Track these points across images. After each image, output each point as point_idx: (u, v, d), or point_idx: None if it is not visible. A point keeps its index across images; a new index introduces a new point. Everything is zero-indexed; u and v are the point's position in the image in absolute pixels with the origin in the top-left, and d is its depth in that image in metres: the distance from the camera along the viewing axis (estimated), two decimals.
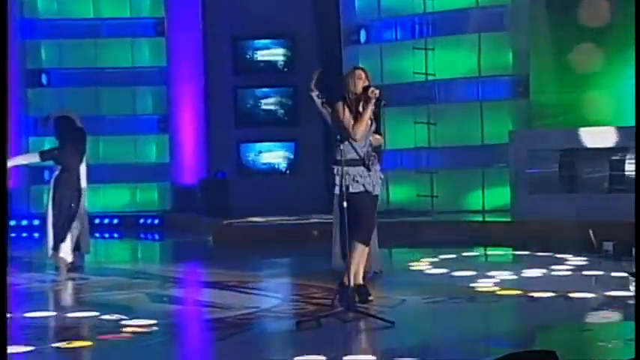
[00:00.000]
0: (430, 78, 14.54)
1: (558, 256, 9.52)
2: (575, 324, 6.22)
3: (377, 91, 6.68)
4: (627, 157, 11.67)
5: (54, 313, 7.13)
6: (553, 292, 7.21)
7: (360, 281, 6.88)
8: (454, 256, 9.87)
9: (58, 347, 5.70)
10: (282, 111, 17.46)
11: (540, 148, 12.41)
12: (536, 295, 7.14)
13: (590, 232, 9.63)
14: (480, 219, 13.15)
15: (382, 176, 7.03)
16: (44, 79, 17.17)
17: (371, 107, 6.68)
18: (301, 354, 5.19)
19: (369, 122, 6.74)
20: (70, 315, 6.94)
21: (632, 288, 7.07)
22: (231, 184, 16.26)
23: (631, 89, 10.90)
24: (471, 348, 5.57)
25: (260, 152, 17.41)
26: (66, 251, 9.26)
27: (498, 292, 7.40)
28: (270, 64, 17.44)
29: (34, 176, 15.89)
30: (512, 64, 14.16)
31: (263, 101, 17.47)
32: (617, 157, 11.91)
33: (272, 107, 17.47)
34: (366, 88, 6.71)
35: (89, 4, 17.29)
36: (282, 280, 8.94)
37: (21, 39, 16.85)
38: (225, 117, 17.18)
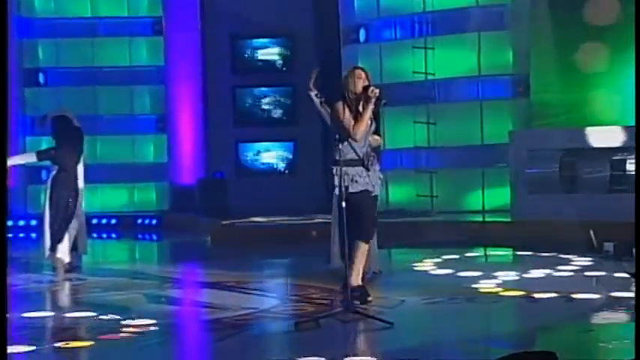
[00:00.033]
0: (430, 77, 14.54)
1: (559, 256, 9.49)
2: (576, 325, 6.19)
3: (377, 91, 6.66)
4: (628, 156, 11.65)
5: (51, 314, 7.11)
6: (553, 292, 7.17)
7: (360, 282, 6.86)
8: (454, 256, 9.83)
9: (55, 348, 5.69)
10: (280, 110, 17.45)
11: (540, 148, 12.42)
12: (536, 295, 7.11)
13: (591, 232, 9.62)
14: (480, 219, 13.13)
15: (382, 176, 7.02)
16: (41, 78, 17.16)
17: (371, 107, 6.66)
18: (299, 355, 5.17)
19: (369, 122, 6.73)
20: (67, 316, 6.92)
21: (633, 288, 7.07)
22: (230, 184, 16.25)
23: (633, 89, 10.88)
24: (470, 349, 5.55)
25: (259, 152, 17.42)
26: (63, 252, 9.22)
27: (498, 293, 7.37)
28: (269, 64, 17.45)
29: (31, 176, 15.86)
30: (513, 63, 14.14)
31: (262, 101, 17.49)
32: (618, 157, 11.89)
33: (271, 107, 17.46)
34: (366, 88, 6.69)
35: (86, 3, 17.27)
36: (280, 281, 8.92)
37: (18, 38, 16.82)
38: (223, 116, 17.18)
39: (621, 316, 6.41)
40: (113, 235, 15.01)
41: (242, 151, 17.41)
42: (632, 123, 11.28)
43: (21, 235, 14.40)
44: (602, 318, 6.45)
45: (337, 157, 6.46)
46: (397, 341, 5.77)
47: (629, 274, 7.74)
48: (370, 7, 15.35)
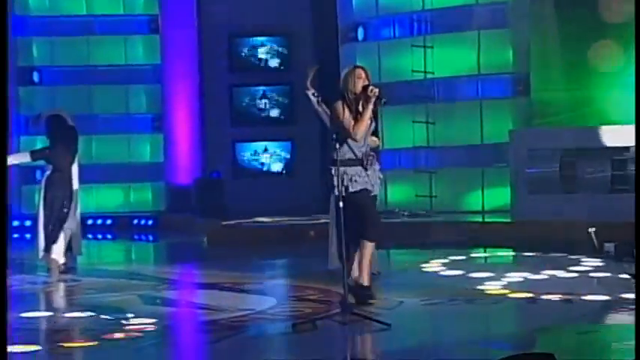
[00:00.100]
0: (429, 76, 14.45)
1: (559, 257, 9.47)
2: (576, 326, 6.17)
3: (377, 90, 6.68)
4: (629, 156, 11.61)
5: (45, 315, 7.09)
6: (553, 293, 7.16)
7: (366, 282, 6.85)
8: (453, 257, 9.78)
9: (48, 349, 5.69)
10: (278, 110, 17.41)
11: (541, 148, 12.38)
12: (536, 296, 7.10)
13: (592, 233, 9.56)
14: (480, 219, 13.08)
15: (381, 176, 7.02)
16: (36, 76, 17.06)
17: (371, 106, 6.68)
18: (296, 357, 5.18)
19: (369, 122, 6.74)
20: (61, 317, 6.93)
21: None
22: (227, 184, 16.20)
23: (634, 87, 10.85)
24: (469, 350, 5.53)
25: (256, 151, 17.35)
26: (58, 252, 9.20)
27: (497, 294, 7.35)
28: (267, 62, 17.38)
29: (25, 176, 15.75)
30: (513, 61, 14.07)
31: (259, 100, 17.40)
32: (619, 157, 11.86)
33: (268, 106, 17.40)
34: (365, 88, 6.71)
35: (82, 1, 17.18)
36: (277, 282, 8.90)
37: (12, 36, 16.66)
38: (220, 116, 17.12)
39: (622, 318, 6.40)
40: (109, 236, 14.99)
41: (239, 151, 17.35)
42: (633, 122, 11.21)
43: (15, 235, 14.30)
44: (602, 319, 6.47)
45: (335, 157, 6.46)
46: (395, 343, 5.76)
47: (629, 274, 7.72)
48: (369, 5, 15.26)
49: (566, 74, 13.18)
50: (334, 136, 6.51)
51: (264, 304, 7.15)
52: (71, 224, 9.30)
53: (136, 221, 16.00)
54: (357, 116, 6.70)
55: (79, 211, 9.48)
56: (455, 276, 8.50)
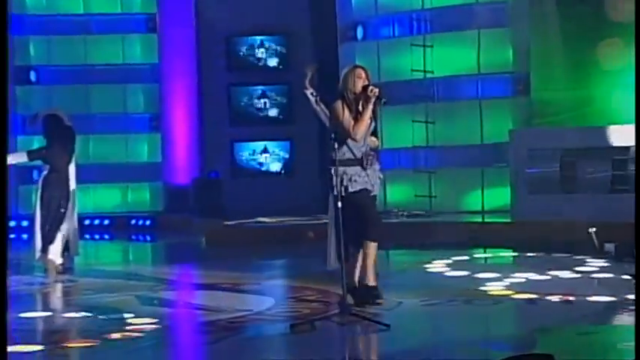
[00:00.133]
0: (428, 75, 14.41)
1: (559, 257, 9.46)
2: (577, 326, 6.14)
3: (377, 90, 6.68)
4: (630, 156, 11.61)
5: (41, 316, 7.08)
6: (553, 294, 7.13)
7: (372, 282, 6.85)
8: (452, 257, 9.76)
9: (45, 350, 5.67)
10: (277, 109, 17.39)
11: (541, 147, 12.37)
12: (535, 297, 7.08)
13: (592, 233, 9.53)
14: (480, 220, 13.03)
15: (381, 176, 7.01)
16: (33, 76, 17.03)
17: (371, 107, 6.68)
18: (294, 358, 5.17)
19: (369, 122, 6.74)
20: (57, 318, 6.93)
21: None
22: (225, 184, 16.18)
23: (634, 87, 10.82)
24: (468, 351, 5.51)
25: (254, 151, 17.31)
26: (55, 253, 9.20)
27: (496, 295, 7.33)
28: (265, 62, 17.36)
29: (22, 176, 15.70)
30: (513, 61, 14.03)
31: (258, 99, 17.36)
32: (619, 157, 11.85)
33: (267, 105, 17.35)
34: (365, 87, 6.70)
35: (79, 0, 17.08)
36: (276, 282, 8.88)
37: (9, 35, 16.64)
38: (218, 115, 17.11)
39: (622, 318, 6.40)
40: (106, 236, 14.95)
41: (237, 151, 17.32)
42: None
43: (12, 236, 14.23)
44: (602, 320, 6.43)
45: (334, 157, 6.45)
46: (394, 344, 5.75)
47: (630, 275, 7.70)
48: (368, 4, 15.23)
49: (566, 74, 13.18)
50: (332, 135, 6.51)
51: (263, 304, 7.14)
52: (68, 225, 9.30)
53: (133, 221, 15.97)
54: (357, 116, 6.69)
55: (76, 211, 9.49)
56: (454, 276, 8.48)
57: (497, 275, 8.26)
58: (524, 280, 8.07)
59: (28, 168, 14.09)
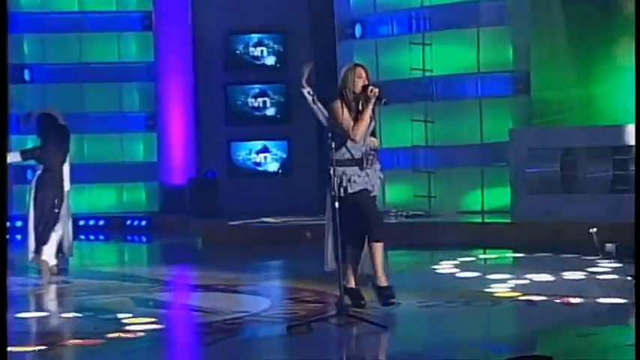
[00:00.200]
0: (427, 74, 14.40)
1: (559, 258, 9.45)
2: (577, 328, 6.13)
3: (377, 90, 6.63)
4: (630, 156, 11.62)
5: (34, 316, 7.07)
6: (552, 295, 7.11)
7: (384, 283, 6.79)
8: (451, 258, 9.72)
9: (38, 351, 5.68)
10: (274, 108, 17.36)
11: (541, 147, 12.37)
12: (534, 298, 7.06)
13: (593, 233, 9.50)
14: (479, 220, 13.01)
15: (382, 176, 6.96)
16: (27, 74, 17.02)
17: (371, 107, 6.64)
18: (291, 359, 5.16)
19: (369, 122, 6.69)
20: (51, 319, 6.92)
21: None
22: (222, 184, 16.16)
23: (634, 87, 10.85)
24: (468, 352, 5.49)
25: (251, 151, 17.27)
26: (48, 254, 9.21)
27: (496, 295, 7.33)
28: (262, 60, 17.31)
29: (16, 176, 15.61)
30: (513, 59, 14.00)
31: (255, 98, 17.31)
32: (620, 156, 11.86)
33: (264, 104, 17.29)
34: (365, 87, 6.65)
35: None
36: (273, 283, 8.88)
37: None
38: (215, 114, 17.11)
39: (622, 319, 6.37)
40: (101, 237, 14.95)
41: (234, 150, 17.30)
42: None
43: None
44: (602, 321, 6.38)
45: (332, 157, 6.40)
46: (391, 345, 5.78)
47: (630, 276, 7.67)
48: (366, 2, 15.21)
49: (567, 73, 13.23)
50: (329, 135, 6.44)
51: (259, 305, 7.12)
52: (62, 225, 9.29)
53: (129, 222, 15.96)
54: (356, 116, 6.63)
55: (70, 211, 9.49)
56: (455, 276, 8.46)
57: (496, 276, 8.22)
58: (524, 280, 8.02)
59: (21, 168, 14.03)
